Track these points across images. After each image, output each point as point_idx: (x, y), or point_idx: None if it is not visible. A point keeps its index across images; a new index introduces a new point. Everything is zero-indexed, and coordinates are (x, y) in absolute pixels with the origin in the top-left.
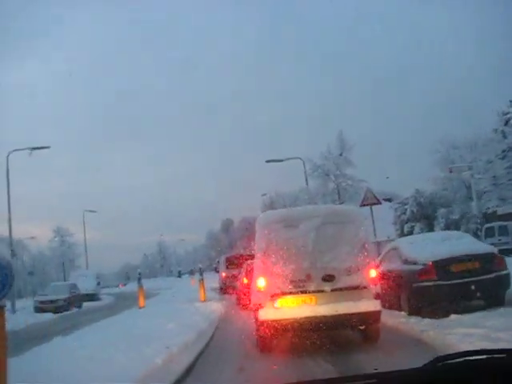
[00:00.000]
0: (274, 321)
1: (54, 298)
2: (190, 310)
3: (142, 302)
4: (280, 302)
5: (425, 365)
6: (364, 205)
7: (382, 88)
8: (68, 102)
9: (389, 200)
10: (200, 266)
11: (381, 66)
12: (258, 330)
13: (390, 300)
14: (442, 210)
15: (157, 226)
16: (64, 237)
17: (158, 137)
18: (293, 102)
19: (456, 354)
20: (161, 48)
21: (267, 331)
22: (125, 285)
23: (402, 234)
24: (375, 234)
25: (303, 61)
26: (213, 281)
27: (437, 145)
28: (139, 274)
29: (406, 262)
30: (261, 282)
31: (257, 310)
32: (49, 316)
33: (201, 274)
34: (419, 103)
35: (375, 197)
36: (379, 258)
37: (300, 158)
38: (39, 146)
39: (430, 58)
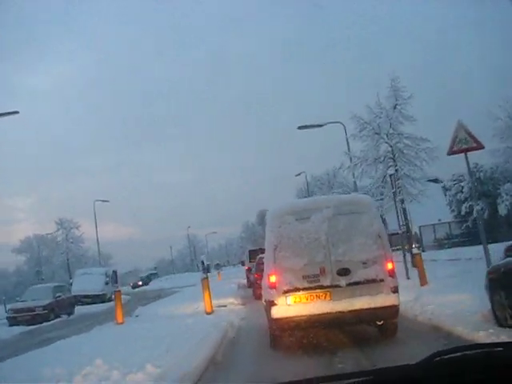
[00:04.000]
0: (287, 318)
1: (31, 305)
2: (175, 334)
3: (119, 316)
4: (293, 299)
5: (422, 360)
6: (454, 152)
7: (438, 42)
8: (94, 102)
9: (435, 181)
10: (203, 258)
11: (438, 18)
12: (270, 328)
13: None
14: (506, 186)
15: (190, 220)
16: (69, 230)
17: (187, 132)
18: (335, 53)
19: (454, 348)
20: (184, 46)
21: (280, 329)
22: (146, 283)
23: (459, 216)
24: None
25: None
26: (243, 276)
27: (496, 111)
28: (114, 272)
29: None
30: (272, 278)
31: (269, 307)
32: (11, 331)
33: (204, 272)
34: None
35: (473, 137)
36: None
37: (340, 123)
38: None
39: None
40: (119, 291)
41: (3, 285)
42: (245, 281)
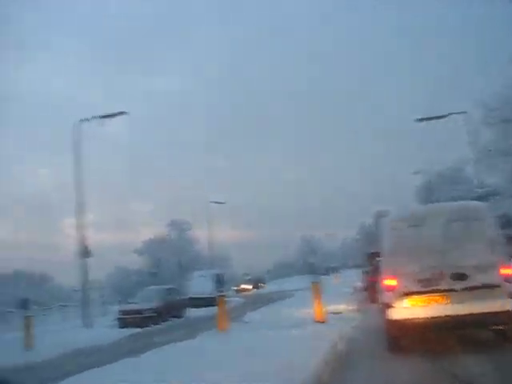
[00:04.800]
0: (404, 320)
1: (140, 307)
2: (275, 349)
3: (222, 323)
4: (410, 302)
5: None
6: None
7: None
8: (209, 103)
9: None
10: (312, 260)
11: None
12: (387, 329)
13: None
14: None
15: (307, 222)
16: (182, 231)
17: (301, 131)
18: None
19: None
20: (291, 42)
21: (397, 331)
22: (258, 286)
23: None
24: None
25: None
26: (359, 279)
27: None
28: (218, 275)
29: None
30: (389, 281)
31: (386, 309)
32: (118, 333)
33: (315, 275)
34: None
35: None
36: None
37: (465, 112)
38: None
39: None
40: (223, 296)
41: (125, 286)
42: (361, 284)
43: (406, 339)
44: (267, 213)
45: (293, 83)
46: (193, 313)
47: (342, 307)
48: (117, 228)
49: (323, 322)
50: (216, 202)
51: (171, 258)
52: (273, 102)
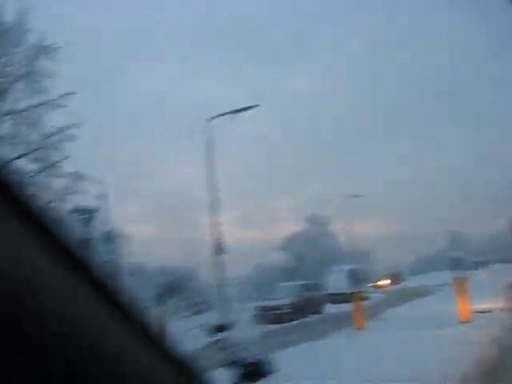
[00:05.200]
0: None
1: (277, 303)
2: (410, 356)
3: (358, 321)
4: None
5: None
6: None
7: None
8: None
9: None
10: (456, 254)
11: None
12: None
13: None
14: None
15: (452, 215)
16: (321, 226)
17: (439, 123)
18: None
19: None
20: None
21: None
22: (396, 282)
23: None
24: None
25: None
26: None
27: None
28: (352, 270)
29: None
30: None
31: None
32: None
33: (460, 270)
34: None
35: None
36: None
37: None
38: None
39: None
40: (360, 292)
41: (264, 282)
42: None
43: None
44: (410, 206)
45: (422, 77)
46: (332, 309)
47: (491, 305)
48: (255, 224)
49: (468, 322)
50: (355, 196)
51: (310, 253)
52: (402, 97)
